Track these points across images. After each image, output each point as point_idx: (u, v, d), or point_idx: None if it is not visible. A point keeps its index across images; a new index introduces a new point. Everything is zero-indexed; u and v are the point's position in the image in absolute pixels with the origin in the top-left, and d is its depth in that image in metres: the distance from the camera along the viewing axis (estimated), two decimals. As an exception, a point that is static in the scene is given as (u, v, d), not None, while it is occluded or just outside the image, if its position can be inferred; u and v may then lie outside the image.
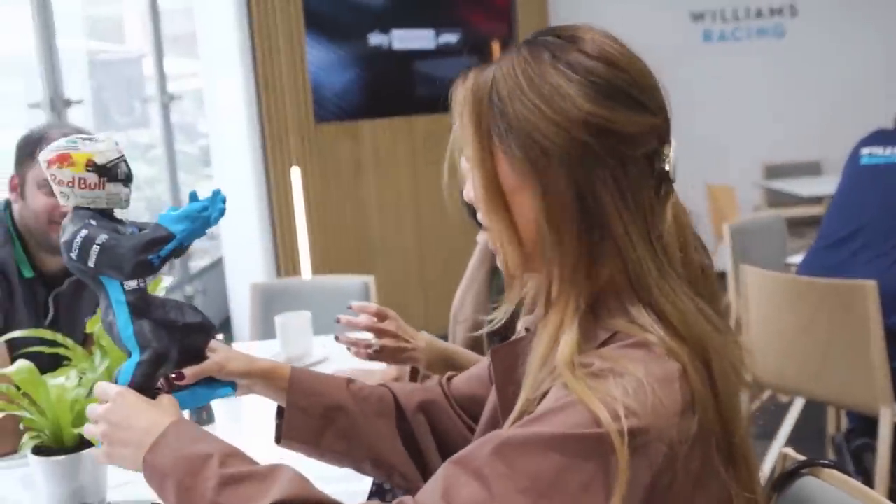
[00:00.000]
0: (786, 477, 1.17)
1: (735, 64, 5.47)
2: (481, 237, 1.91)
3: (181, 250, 1.10)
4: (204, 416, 1.81)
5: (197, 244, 6.67)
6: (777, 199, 5.13)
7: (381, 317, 1.56)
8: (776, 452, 1.26)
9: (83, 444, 1.36)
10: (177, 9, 5.41)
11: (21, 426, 1.36)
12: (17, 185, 1.88)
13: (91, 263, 1.05)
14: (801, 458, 1.18)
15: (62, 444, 1.35)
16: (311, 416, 1.16)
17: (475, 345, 1.77)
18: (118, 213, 1.14)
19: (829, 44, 5.45)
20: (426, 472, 1.15)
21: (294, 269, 4.35)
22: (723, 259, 3.41)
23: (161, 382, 1.09)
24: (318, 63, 4.44)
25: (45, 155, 1.08)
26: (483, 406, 1.13)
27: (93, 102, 4.63)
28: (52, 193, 1.82)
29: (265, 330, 2.69)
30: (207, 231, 1.14)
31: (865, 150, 2.64)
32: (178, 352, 1.10)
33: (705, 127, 5.12)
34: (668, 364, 0.85)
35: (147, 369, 1.08)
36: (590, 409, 0.80)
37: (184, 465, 0.94)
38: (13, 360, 1.69)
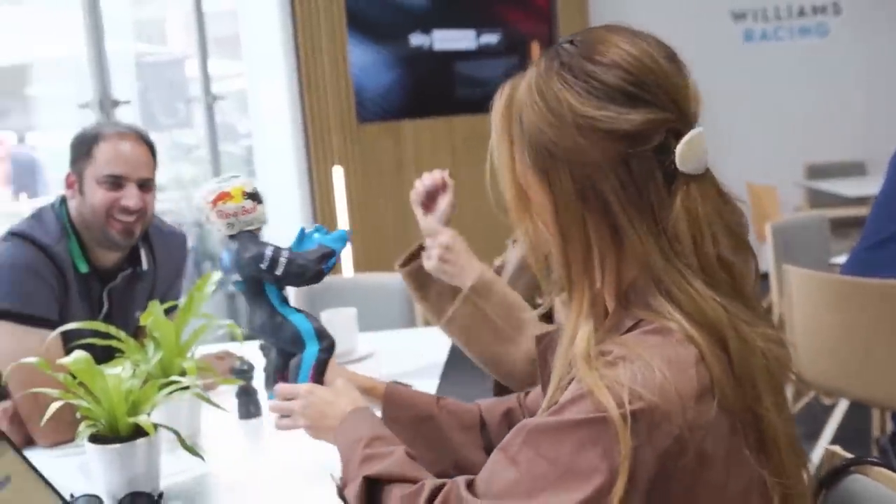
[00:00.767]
0: (833, 474, 1.17)
1: (777, 64, 5.42)
2: None
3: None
4: (251, 409, 1.85)
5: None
6: (819, 199, 5.07)
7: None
8: (821, 452, 1.26)
9: (137, 433, 1.40)
10: (221, 11, 5.49)
11: (77, 415, 1.41)
12: (74, 182, 1.94)
13: (279, 272, 1.31)
14: (849, 455, 1.18)
15: (117, 432, 1.40)
16: (403, 426, 1.31)
17: None
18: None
19: (872, 42, 5.37)
20: None
21: (336, 267, 4.40)
22: (765, 259, 3.39)
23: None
24: (360, 63, 4.49)
25: (206, 197, 1.31)
26: None
27: (139, 103, 4.72)
28: (111, 189, 1.90)
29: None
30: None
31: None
32: None
33: (746, 127, 5.07)
34: (684, 349, 0.89)
35: (326, 356, 1.37)
36: (597, 397, 0.85)
37: (349, 444, 1.16)
38: (68, 352, 1.76)
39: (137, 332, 1.98)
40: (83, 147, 1.93)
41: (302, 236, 1.40)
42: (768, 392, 0.92)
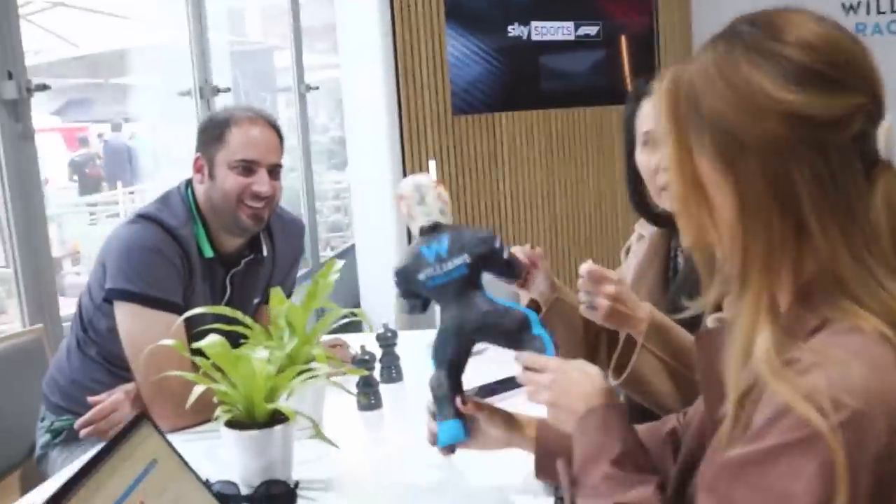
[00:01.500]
0: None
1: (890, 58, 5.19)
2: (647, 231, 1.83)
3: None
4: (372, 401, 1.80)
5: (330, 232, 6.77)
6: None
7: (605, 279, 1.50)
8: None
9: (274, 419, 1.37)
10: (314, 0, 5.51)
11: (215, 399, 1.38)
12: (203, 166, 1.93)
13: (506, 255, 1.31)
14: None
15: (254, 418, 1.36)
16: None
17: None
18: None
19: None
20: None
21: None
22: None
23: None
24: (457, 55, 4.43)
25: (430, 178, 1.30)
26: None
27: (233, 91, 4.76)
28: (243, 174, 1.88)
29: (410, 319, 2.69)
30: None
31: None
32: None
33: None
34: (881, 348, 0.82)
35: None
36: (799, 412, 0.78)
37: (591, 447, 1.10)
38: (191, 337, 1.74)
39: (255, 318, 1.97)
40: (215, 131, 1.92)
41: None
42: None
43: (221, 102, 3.90)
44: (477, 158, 4.53)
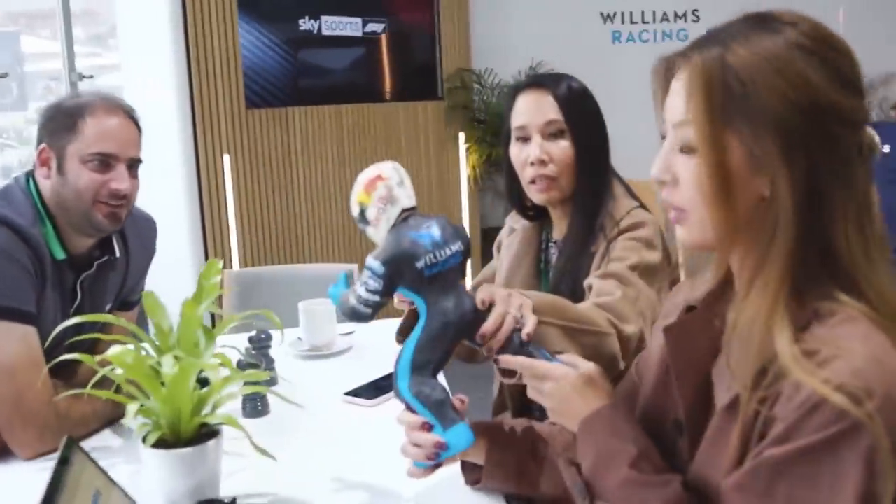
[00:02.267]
0: None
1: (642, 65, 5.69)
2: (519, 224, 1.90)
3: None
4: (259, 406, 1.73)
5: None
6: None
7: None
8: None
9: (202, 435, 1.28)
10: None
11: (137, 419, 1.26)
12: (50, 159, 1.72)
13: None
14: None
15: (180, 436, 1.27)
16: (508, 468, 1.29)
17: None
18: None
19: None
20: None
21: (224, 255, 4.20)
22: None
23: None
24: (250, 47, 4.30)
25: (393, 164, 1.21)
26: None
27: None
28: (99, 169, 1.70)
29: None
30: None
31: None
32: None
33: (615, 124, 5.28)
34: (879, 333, 0.87)
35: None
36: (834, 403, 0.81)
37: (603, 451, 1.08)
38: (46, 352, 1.57)
39: (104, 327, 1.80)
40: (65, 120, 1.71)
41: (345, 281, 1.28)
42: None
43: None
44: (271, 153, 4.42)
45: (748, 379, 0.90)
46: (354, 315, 1.18)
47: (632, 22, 5.83)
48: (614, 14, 5.82)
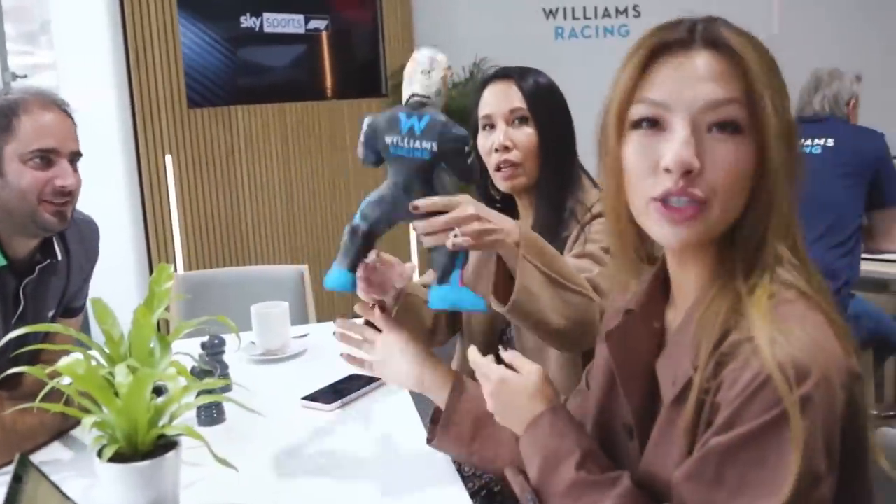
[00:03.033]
0: None
1: (585, 60, 5.73)
2: None
3: None
4: (214, 414, 1.69)
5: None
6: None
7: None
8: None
9: (159, 447, 1.24)
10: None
11: (92, 432, 1.22)
12: None
13: (470, 161, 1.31)
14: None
15: (136, 448, 1.22)
16: (463, 424, 1.31)
17: (492, 324, 1.79)
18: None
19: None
20: None
21: (167, 258, 4.11)
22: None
23: None
24: (191, 45, 4.21)
25: (445, 58, 1.31)
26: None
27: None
28: (41, 167, 1.64)
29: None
30: None
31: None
32: None
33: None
34: (818, 315, 0.90)
35: None
36: (771, 387, 0.83)
37: (548, 455, 1.09)
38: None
39: (47, 335, 1.75)
40: (2, 120, 1.65)
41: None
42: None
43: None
44: (214, 152, 4.35)
45: (706, 354, 0.91)
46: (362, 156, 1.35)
47: (574, 18, 5.87)
48: (557, 10, 5.85)
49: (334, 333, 1.56)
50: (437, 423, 1.37)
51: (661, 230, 0.94)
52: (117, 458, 1.20)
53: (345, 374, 1.84)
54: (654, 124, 0.93)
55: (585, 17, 5.88)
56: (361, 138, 1.32)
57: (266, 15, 4.57)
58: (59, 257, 1.81)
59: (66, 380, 1.26)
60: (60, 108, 1.71)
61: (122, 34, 3.92)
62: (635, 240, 1.04)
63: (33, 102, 1.67)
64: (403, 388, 1.56)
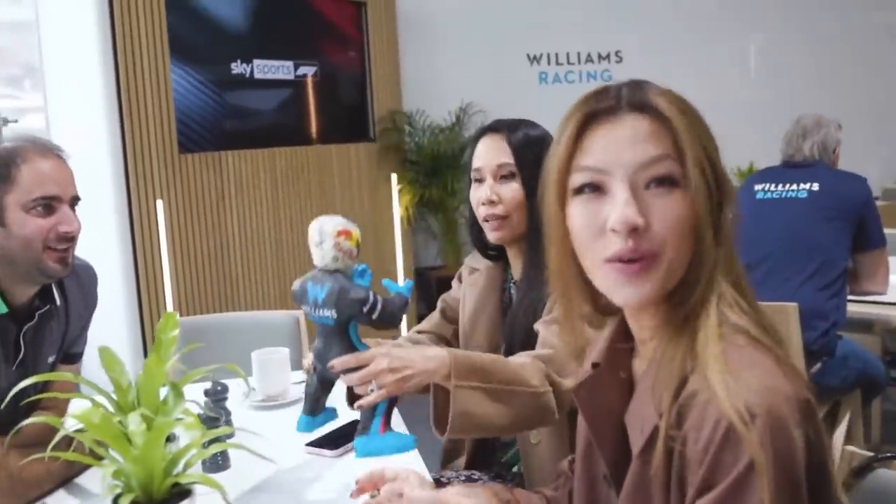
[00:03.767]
0: (857, 472, 1.29)
1: (569, 104, 5.82)
2: (481, 265, 1.94)
3: None
4: (220, 461, 1.70)
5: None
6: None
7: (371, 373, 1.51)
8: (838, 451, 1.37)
9: (173, 495, 1.25)
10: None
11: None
12: None
13: (374, 316, 1.46)
14: (868, 454, 1.31)
15: (152, 497, 1.23)
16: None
17: None
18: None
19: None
20: None
21: (158, 303, 4.11)
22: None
23: None
24: (182, 91, 4.25)
25: (336, 227, 1.47)
26: None
27: None
28: (43, 214, 1.66)
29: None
30: None
31: (758, 187, 2.93)
32: None
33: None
34: (766, 358, 0.91)
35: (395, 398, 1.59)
36: (736, 432, 0.84)
37: None
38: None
39: (46, 384, 1.75)
40: (2, 170, 1.67)
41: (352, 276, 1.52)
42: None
43: None
44: (204, 197, 4.37)
45: (668, 402, 0.92)
46: None
47: (557, 63, 5.98)
48: (541, 55, 5.96)
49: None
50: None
51: (620, 290, 0.96)
52: (128, 506, 1.21)
53: (348, 420, 1.85)
54: (595, 189, 0.97)
55: (569, 63, 6.00)
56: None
57: (256, 61, 4.63)
58: (58, 303, 1.82)
59: (71, 428, 1.28)
60: (57, 154, 1.74)
61: (115, 78, 3.95)
62: (586, 299, 1.06)
63: (31, 150, 1.69)
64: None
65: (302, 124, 5.02)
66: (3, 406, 1.45)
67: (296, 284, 1.52)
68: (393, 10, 5.50)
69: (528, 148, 1.76)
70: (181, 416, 1.33)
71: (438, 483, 1.67)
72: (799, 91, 5.92)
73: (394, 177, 5.39)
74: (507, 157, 1.76)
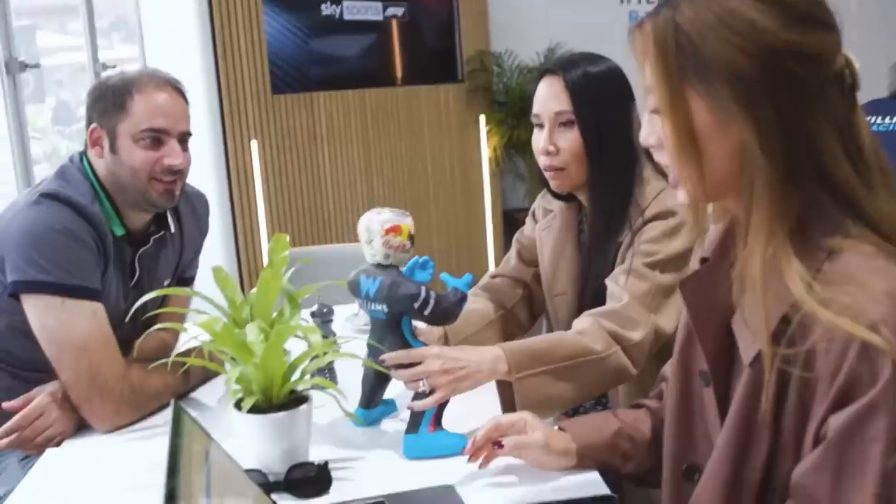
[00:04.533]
0: None
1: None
2: (555, 206, 1.88)
3: None
4: (327, 376, 1.75)
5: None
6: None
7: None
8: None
9: (292, 400, 1.30)
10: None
11: (232, 387, 1.28)
12: (101, 139, 1.73)
13: (427, 312, 1.39)
14: None
15: (271, 401, 1.29)
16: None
17: (578, 313, 1.74)
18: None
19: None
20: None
21: (253, 240, 4.23)
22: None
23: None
24: (274, 34, 4.31)
25: (383, 224, 1.41)
26: None
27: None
28: (151, 146, 1.71)
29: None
30: None
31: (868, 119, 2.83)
32: None
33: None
34: (893, 264, 0.87)
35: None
36: (874, 346, 0.80)
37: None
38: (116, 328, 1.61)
39: (164, 301, 1.82)
40: (114, 99, 1.71)
41: (413, 268, 1.47)
42: None
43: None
44: (297, 137, 4.45)
45: (766, 336, 0.89)
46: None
47: (648, 2, 5.83)
48: (631, -6, 5.82)
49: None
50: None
51: None
52: (254, 410, 1.27)
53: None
54: None
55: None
56: None
57: (346, 3, 4.65)
58: (173, 229, 1.89)
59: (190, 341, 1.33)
60: (174, 87, 1.77)
61: (210, 24, 4.03)
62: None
63: (148, 82, 1.72)
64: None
65: (390, 65, 5.04)
66: (128, 318, 1.53)
67: (350, 276, 1.47)
68: (481, -52, 5.45)
69: (587, 91, 1.66)
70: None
71: None
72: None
73: (482, 118, 5.37)
74: (564, 104, 1.66)
